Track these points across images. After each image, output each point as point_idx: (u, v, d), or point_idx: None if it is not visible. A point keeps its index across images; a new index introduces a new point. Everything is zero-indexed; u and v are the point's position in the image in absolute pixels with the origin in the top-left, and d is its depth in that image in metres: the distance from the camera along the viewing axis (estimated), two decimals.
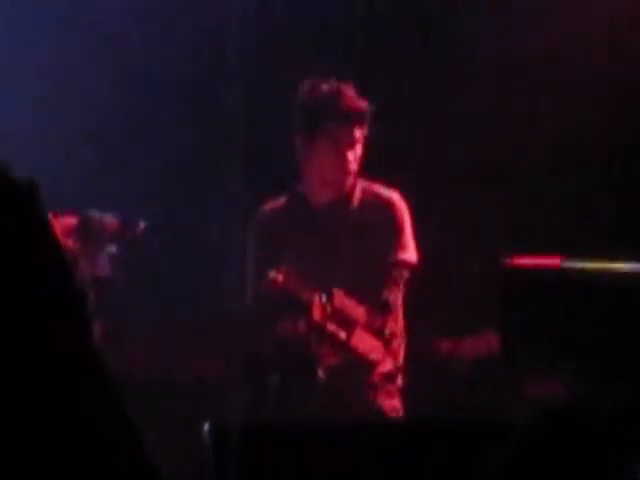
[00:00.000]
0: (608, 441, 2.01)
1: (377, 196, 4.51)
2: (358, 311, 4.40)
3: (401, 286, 4.49)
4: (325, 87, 4.34)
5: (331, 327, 4.39)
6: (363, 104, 4.34)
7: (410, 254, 4.47)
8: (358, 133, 4.34)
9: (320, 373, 4.45)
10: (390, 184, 4.49)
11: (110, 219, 4.38)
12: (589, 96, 4.74)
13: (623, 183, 4.53)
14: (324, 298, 4.38)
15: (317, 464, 3.35)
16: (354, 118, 4.30)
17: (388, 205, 4.48)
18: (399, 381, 4.56)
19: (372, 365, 4.46)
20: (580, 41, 4.85)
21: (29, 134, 4.88)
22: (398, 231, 4.48)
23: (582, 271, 4.02)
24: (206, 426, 3.32)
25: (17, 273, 0.90)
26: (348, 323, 4.42)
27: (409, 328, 4.50)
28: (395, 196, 4.48)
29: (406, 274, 4.47)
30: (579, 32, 4.86)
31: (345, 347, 4.43)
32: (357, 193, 4.51)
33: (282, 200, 4.56)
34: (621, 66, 4.74)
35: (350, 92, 4.37)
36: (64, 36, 5.03)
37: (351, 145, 4.37)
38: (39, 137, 4.95)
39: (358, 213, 4.51)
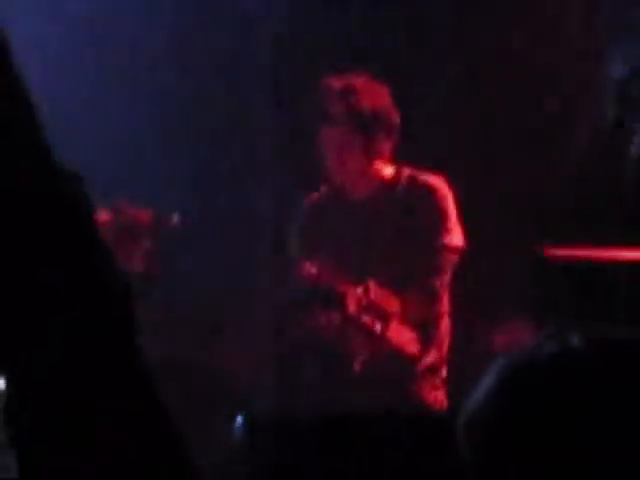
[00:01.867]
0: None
1: (422, 182, 4.54)
2: (394, 303, 4.43)
3: (448, 271, 4.55)
4: (338, 82, 4.43)
5: (366, 320, 4.44)
6: (384, 101, 4.44)
7: (457, 238, 4.51)
8: (376, 132, 4.44)
9: (356, 366, 4.49)
10: (435, 171, 4.54)
11: (143, 213, 4.47)
12: None
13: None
14: (360, 290, 4.41)
15: (348, 456, 3.46)
16: (368, 120, 4.41)
17: (432, 191, 4.53)
18: (443, 372, 4.64)
19: (409, 358, 4.50)
20: None
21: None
22: (443, 216, 4.52)
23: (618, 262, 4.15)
24: (239, 418, 3.54)
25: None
26: (384, 316, 4.46)
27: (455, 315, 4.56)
28: (439, 182, 4.54)
29: (454, 259, 4.52)
30: None
31: (381, 340, 4.49)
32: (402, 181, 4.55)
33: (323, 194, 4.64)
34: None
35: (372, 88, 4.46)
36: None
37: (370, 143, 4.46)
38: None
39: (402, 201, 4.55)
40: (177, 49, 5.14)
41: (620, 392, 1.41)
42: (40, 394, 0.92)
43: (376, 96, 4.52)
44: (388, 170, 4.57)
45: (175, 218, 4.49)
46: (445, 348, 4.61)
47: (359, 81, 4.48)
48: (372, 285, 4.44)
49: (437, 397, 4.60)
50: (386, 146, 4.52)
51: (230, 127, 5.11)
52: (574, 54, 4.97)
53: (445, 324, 4.61)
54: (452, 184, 4.51)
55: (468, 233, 4.51)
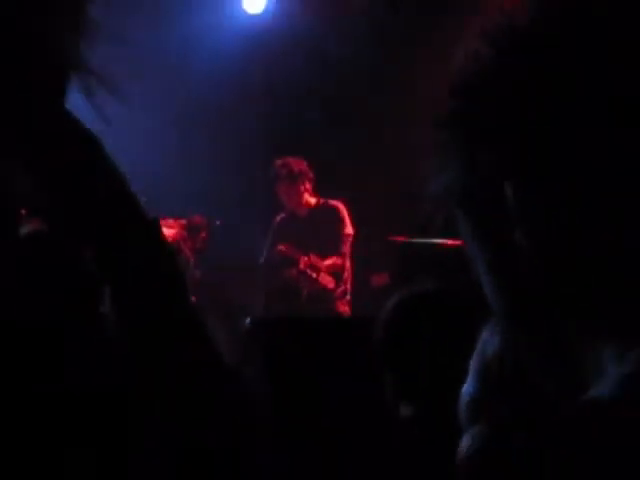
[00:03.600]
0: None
1: (331, 204, 6.93)
2: (322, 263, 6.87)
3: (348, 245, 6.86)
4: (280, 161, 6.86)
5: (309, 272, 6.86)
6: (302, 166, 6.82)
7: (350, 229, 6.83)
8: (300, 182, 6.81)
9: (304, 295, 6.93)
10: (336, 197, 6.95)
11: (202, 219, 7.05)
12: None
13: None
14: (306, 257, 6.82)
15: (303, 339, 3.92)
16: (295, 176, 6.79)
17: (336, 208, 6.90)
18: (348, 297, 6.92)
19: (330, 290, 6.86)
20: None
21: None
22: (342, 220, 6.85)
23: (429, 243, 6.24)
24: (247, 320, 4.25)
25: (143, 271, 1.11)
26: (317, 270, 6.89)
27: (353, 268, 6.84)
28: (339, 203, 6.92)
29: (350, 240, 6.84)
30: None
31: (315, 282, 6.91)
32: (320, 205, 6.93)
33: (283, 214, 7.07)
34: None
35: (296, 162, 6.79)
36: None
37: (298, 188, 6.81)
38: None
39: (321, 215, 6.89)
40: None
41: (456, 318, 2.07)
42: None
43: (298, 164, 6.83)
44: (313, 200, 6.93)
45: (217, 222, 7.14)
46: (349, 285, 6.93)
47: (290, 159, 6.85)
48: (312, 255, 6.83)
49: (345, 310, 6.88)
50: (309, 188, 6.89)
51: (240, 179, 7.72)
52: None
53: (348, 272, 6.91)
54: (347, 204, 6.90)
55: (356, 228, 6.88)
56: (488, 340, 1.38)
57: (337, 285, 6.89)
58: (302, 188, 6.90)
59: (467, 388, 1.45)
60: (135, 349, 1.14)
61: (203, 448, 1.09)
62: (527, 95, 0.82)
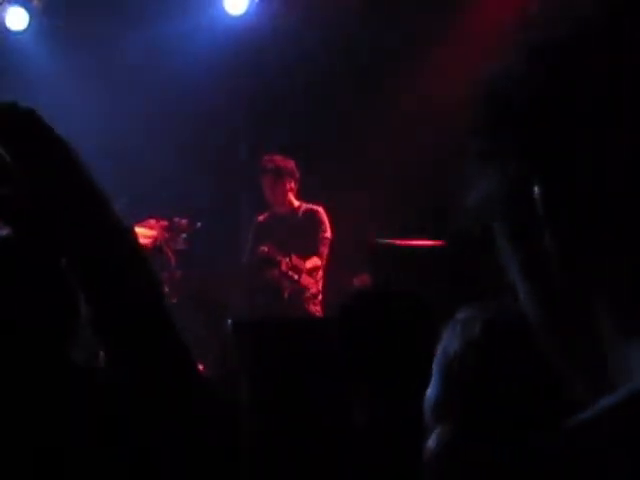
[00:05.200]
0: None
1: (311, 208, 7.04)
2: (303, 265, 6.97)
3: (327, 248, 6.98)
4: (269, 157, 6.94)
5: (290, 273, 6.94)
6: (289, 164, 6.92)
7: (329, 234, 6.97)
8: (286, 179, 6.91)
9: (285, 296, 7.00)
10: (319, 199, 7.06)
11: (183, 220, 7.09)
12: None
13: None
14: (287, 259, 6.88)
15: (285, 340, 4.02)
16: (282, 172, 6.91)
17: (317, 212, 7.02)
18: (320, 297, 7.08)
19: (310, 291, 6.96)
20: None
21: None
22: (323, 223, 6.97)
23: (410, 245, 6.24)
24: (229, 322, 4.48)
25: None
26: (298, 271, 6.98)
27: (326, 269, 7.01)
28: (320, 208, 7.05)
29: (328, 242, 6.97)
30: None
31: (297, 283, 7.00)
32: (302, 208, 7.05)
33: (265, 214, 7.20)
34: None
35: (284, 159, 6.88)
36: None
37: (283, 184, 6.88)
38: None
39: (302, 217, 7.02)
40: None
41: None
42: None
43: (286, 162, 6.96)
44: (296, 202, 7.09)
45: (199, 224, 7.19)
46: (321, 286, 7.03)
47: (279, 156, 7.00)
48: (293, 256, 6.92)
49: (317, 310, 7.03)
50: (294, 188, 7.01)
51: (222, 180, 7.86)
52: None
53: (321, 273, 7.03)
54: (328, 205, 7.03)
55: (335, 231, 7.03)
56: (449, 341, 1.39)
57: (313, 285, 7.04)
58: (287, 186, 7.00)
59: (432, 389, 1.46)
60: (111, 349, 1.18)
61: (203, 447, 1.12)
62: (556, 101, 0.84)
